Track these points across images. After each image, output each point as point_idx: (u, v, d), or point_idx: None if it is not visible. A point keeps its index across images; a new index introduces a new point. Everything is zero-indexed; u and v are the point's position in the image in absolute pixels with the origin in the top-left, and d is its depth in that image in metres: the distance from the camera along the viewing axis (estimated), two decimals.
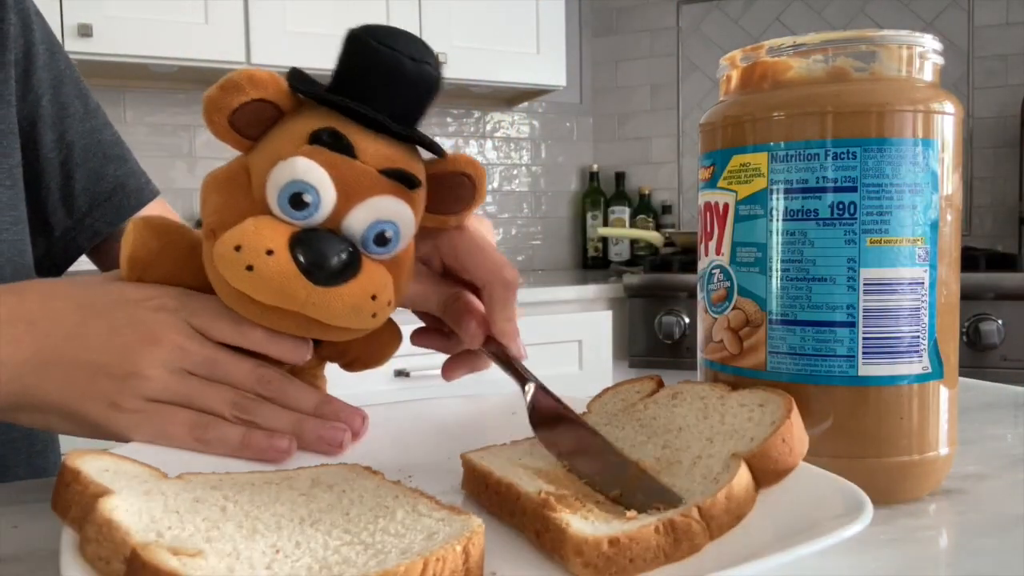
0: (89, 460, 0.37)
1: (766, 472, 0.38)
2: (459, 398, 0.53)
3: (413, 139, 0.45)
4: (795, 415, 0.39)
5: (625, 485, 0.40)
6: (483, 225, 0.53)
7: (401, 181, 0.43)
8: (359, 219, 0.43)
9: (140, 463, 0.39)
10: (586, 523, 0.34)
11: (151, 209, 0.76)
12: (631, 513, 0.35)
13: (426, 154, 0.48)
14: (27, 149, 0.70)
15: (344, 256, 0.42)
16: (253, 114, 0.43)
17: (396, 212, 0.43)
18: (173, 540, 0.31)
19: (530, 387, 0.46)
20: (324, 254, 0.41)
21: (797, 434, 0.39)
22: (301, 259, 0.41)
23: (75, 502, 0.34)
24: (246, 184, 0.44)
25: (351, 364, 0.52)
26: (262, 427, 0.45)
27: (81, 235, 0.73)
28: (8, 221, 0.67)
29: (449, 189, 0.47)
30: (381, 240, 0.43)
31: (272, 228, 0.41)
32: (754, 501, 0.37)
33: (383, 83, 0.43)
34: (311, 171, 0.41)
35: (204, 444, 0.43)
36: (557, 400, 0.46)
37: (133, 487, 0.36)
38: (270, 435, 0.44)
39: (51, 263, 0.75)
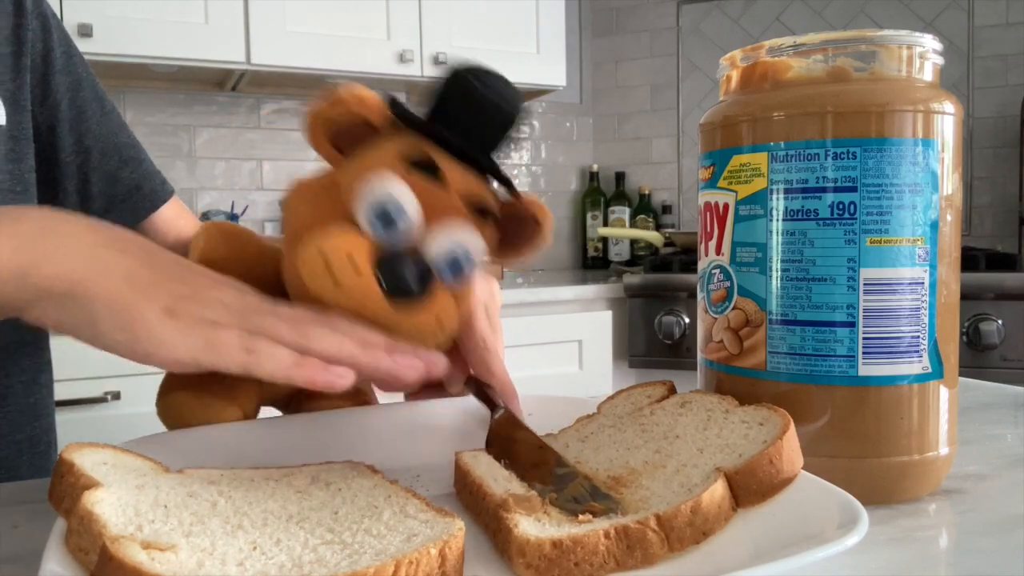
0: (87, 453, 0.37)
1: (749, 491, 0.37)
2: (474, 399, 0.53)
3: (495, 171, 0.46)
4: (789, 436, 0.38)
5: (563, 489, 0.39)
6: (487, 284, 0.53)
7: (481, 214, 0.45)
8: (440, 245, 0.44)
9: (142, 456, 0.39)
10: (536, 525, 0.34)
11: (167, 209, 0.78)
12: (583, 517, 0.35)
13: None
14: (46, 152, 0.71)
15: (420, 285, 0.44)
16: (349, 129, 0.45)
17: (473, 243, 0.45)
18: (152, 534, 0.32)
19: (498, 412, 0.48)
20: (407, 280, 0.43)
21: (787, 456, 0.37)
22: (384, 281, 0.42)
23: (67, 494, 0.35)
24: (336, 197, 0.45)
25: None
26: (320, 354, 0.41)
27: None
28: None
29: (515, 228, 0.49)
30: (456, 269, 0.45)
31: (358, 242, 0.43)
32: (728, 518, 0.36)
33: (476, 120, 0.45)
34: (402, 192, 0.43)
35: (252, 356, 0.40)
36: (522, 424, 0.47)
37: (127, 480, 0.36)
38: (328, 365, 0.40)
39: None
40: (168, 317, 0.40)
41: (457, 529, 0.32)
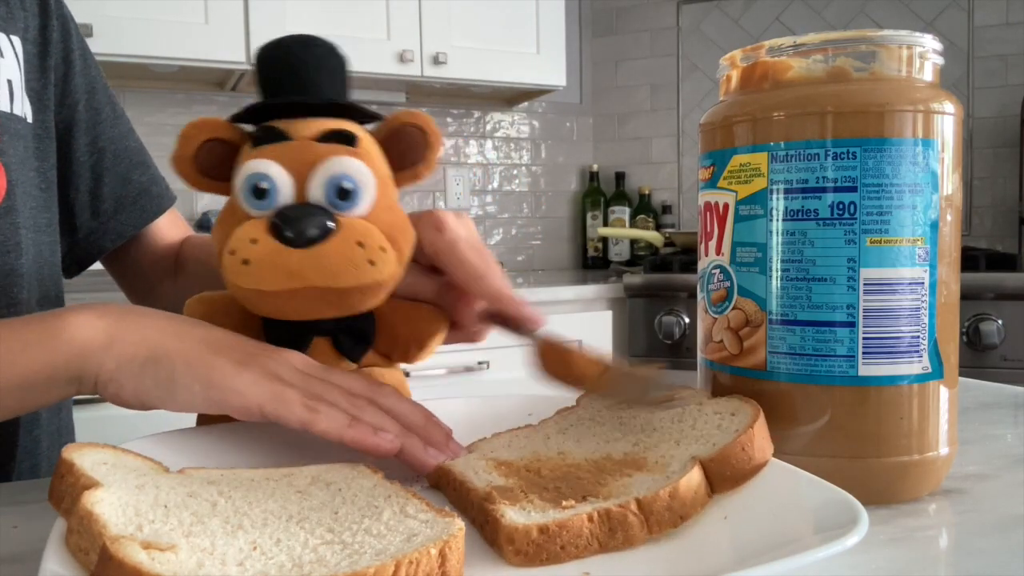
0: (87, 453, 0.37)
1: (723, 478, 0.38)
2: (474, 398, 0.53)
3: (337, 105, 0.49)
4: (759, 425, 0.40)
5: (645, 387, 0.43)
6: (462, 221, 0.53)
7: (336, 140, 0.47)
8: (315, 184, 0.46)
9: (142, 456, 0.40)
10: (521, 513, 0.35)
11: (166, 216, 0.80)
12: (567, 502, 0.36)
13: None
14: (61, 152, 0.72)
15: (317, 219, 0.45)
16: (212, 156, 0.49)
17: (346, 166, 0.46)
18: (152, 534, 0.32)
19: (537, 333, 0.49)
20: (297, 220, 0.45)
21: (758, 443, 0.39)
22: (281, 234, 0.45)
23: (67, 494, 0.35)
24: (233, 213, 0.48)
25: (406, 353, 0.54)
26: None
27: (105, 237, 0.77)
28: (43, 222, 0.69)
29: (405, 143, 0.51)
30: (343, 194, 0.46)
31: (251, 224, 0.46)
32: (703, 504, 0.38)
33: (285, 74, 0.49)
34: (258, 164, 0.46)
35: (313, 414, 0.43)
36: (561, 340, 0.48)
37: (128, 480, 0.36)
38: (377, 431, 0.43)
39: (72, 261, 0.78)
40: (241, 367, 0.44)
41: (457, 529, 0.32)
